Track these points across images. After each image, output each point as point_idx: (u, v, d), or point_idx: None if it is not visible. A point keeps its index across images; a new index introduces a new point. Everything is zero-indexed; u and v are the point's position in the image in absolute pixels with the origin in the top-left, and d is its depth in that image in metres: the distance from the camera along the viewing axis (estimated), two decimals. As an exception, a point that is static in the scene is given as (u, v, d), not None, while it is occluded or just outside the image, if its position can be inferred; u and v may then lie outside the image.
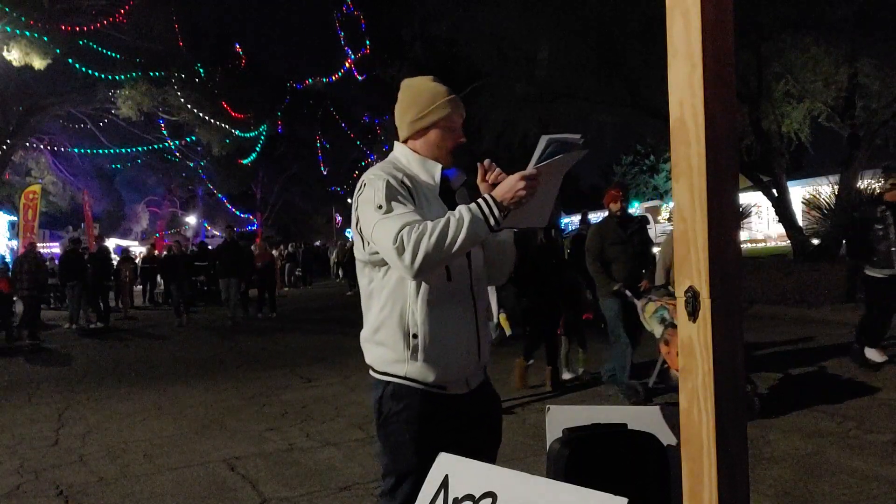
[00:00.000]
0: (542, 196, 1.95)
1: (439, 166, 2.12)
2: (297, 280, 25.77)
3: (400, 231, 1.87)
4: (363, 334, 2.14)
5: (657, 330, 5.58)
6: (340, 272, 23.10)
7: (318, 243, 34.01)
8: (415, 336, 1.99)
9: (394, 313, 2.02)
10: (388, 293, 2.04)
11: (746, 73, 13.23)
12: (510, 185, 1.87)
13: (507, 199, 1.87)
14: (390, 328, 2.03)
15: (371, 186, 2.01)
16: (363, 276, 2.12)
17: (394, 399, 2.04)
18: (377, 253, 1.98)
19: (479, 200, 1.90)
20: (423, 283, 1.99)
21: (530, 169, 1.86)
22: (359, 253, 2.09)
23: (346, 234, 38.25)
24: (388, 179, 2.00)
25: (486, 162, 2.00)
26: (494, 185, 1.96)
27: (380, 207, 1.95)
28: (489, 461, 1.83)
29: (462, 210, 1.89)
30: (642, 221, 6.74)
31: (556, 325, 6.65)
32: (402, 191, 2.00)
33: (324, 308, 16.87)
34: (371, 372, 2.12)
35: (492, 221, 1.87)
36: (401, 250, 1.87)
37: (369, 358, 2.12)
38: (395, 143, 2.22)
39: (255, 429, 5.73)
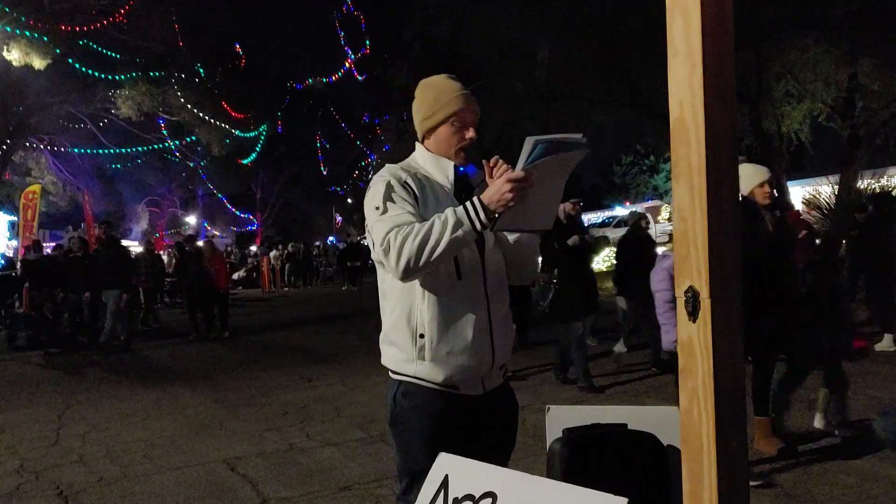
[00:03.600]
0: (542, 198, 1.90)
1: (452, 164, 2.11)
2: (297, 280, 25.79)
3: (388, 232, 1.90)
4: (381, 335, 2.16)
5: None
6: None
7: (317, 244, 34.02)
8: (421, 336, 1.99)
9: (403, 313, 2.03)
10: (398, 293, 2.04)
11: (746, 73, 13.23)
12: (496, 187, 1.83)
13: (494, 202, 1.83)
14: (400, 328, 2.03)
15: (374, 188, 2.03)
16: (379, 275, 2.14)
17: (405, 397, 2.04)
18: None
19: (467, 203, 1.88)
20: (432, 283, 1.99)
21: (517, 171, 1.81)
22: (373, 254, 2.08)
23: (329, 241, 38.42)
24: (390, 180, 2.01)
25: (493, 159, 1.95)
26: None
27: (377, 208, 1.98)
28: (501, 464, 1.83)
29: (448, 213, 1.88)
30: None
31: (810, 356, 4.56)
32: (403, 191, 2.00)
33: (324, 308, 16.87)
34: (389, 372, 2.13)
35: (478, 225, 1.85)
36: (387, 252, 1.89)
37: (384, 358, 2.13)
38: (416, 143, 2.23)
39: (255, 429, 5.73)
